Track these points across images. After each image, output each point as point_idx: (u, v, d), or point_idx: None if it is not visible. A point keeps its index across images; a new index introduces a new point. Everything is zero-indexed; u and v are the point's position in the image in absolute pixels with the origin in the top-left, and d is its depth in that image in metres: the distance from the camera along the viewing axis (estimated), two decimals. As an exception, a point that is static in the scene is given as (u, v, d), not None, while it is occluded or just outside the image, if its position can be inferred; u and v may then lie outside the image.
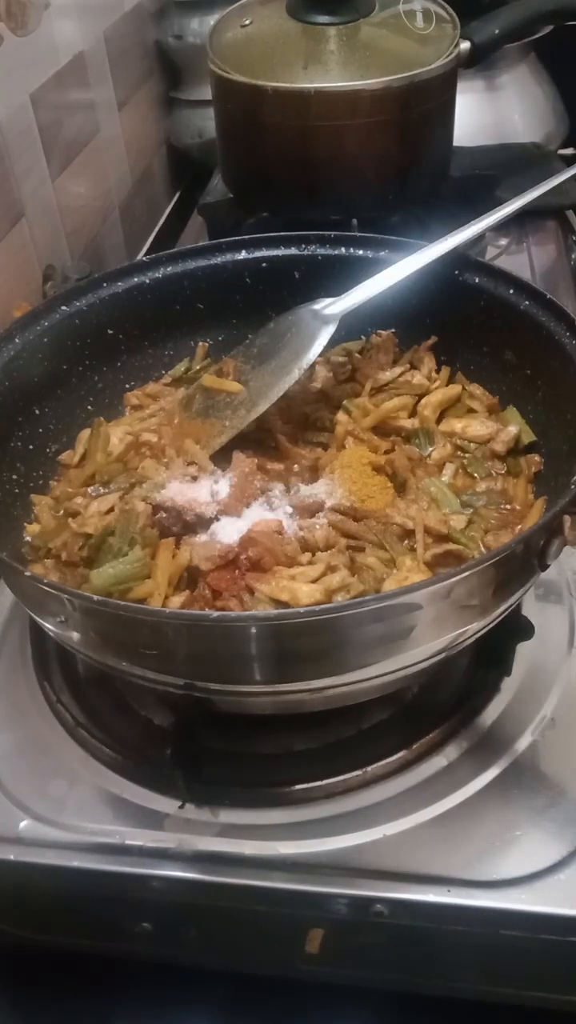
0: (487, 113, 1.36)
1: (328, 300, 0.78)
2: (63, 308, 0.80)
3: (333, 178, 1.04)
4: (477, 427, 0.79)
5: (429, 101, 1.02)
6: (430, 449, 0.78)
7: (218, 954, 0.68)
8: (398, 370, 0.84)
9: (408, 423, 0.80)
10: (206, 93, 1.18)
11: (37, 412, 0.79)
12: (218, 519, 0.70)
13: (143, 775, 0.67)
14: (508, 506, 0.73)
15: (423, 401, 0.82)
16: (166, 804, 0.65)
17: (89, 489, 0.78)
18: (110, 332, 0.84)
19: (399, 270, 0.77)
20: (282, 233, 0.87)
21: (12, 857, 0.63)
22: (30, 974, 0.73)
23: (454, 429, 0.80)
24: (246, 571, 0.64)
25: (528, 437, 0.77)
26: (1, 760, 0.69)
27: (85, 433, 0.82)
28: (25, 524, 0.74)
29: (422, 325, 0.85)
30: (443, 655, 0.60)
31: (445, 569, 0.65)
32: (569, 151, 1.46)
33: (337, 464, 0.74)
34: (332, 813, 0.64)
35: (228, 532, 0.67)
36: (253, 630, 0.53)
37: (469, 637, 0.61)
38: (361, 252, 0.84)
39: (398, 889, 0.60)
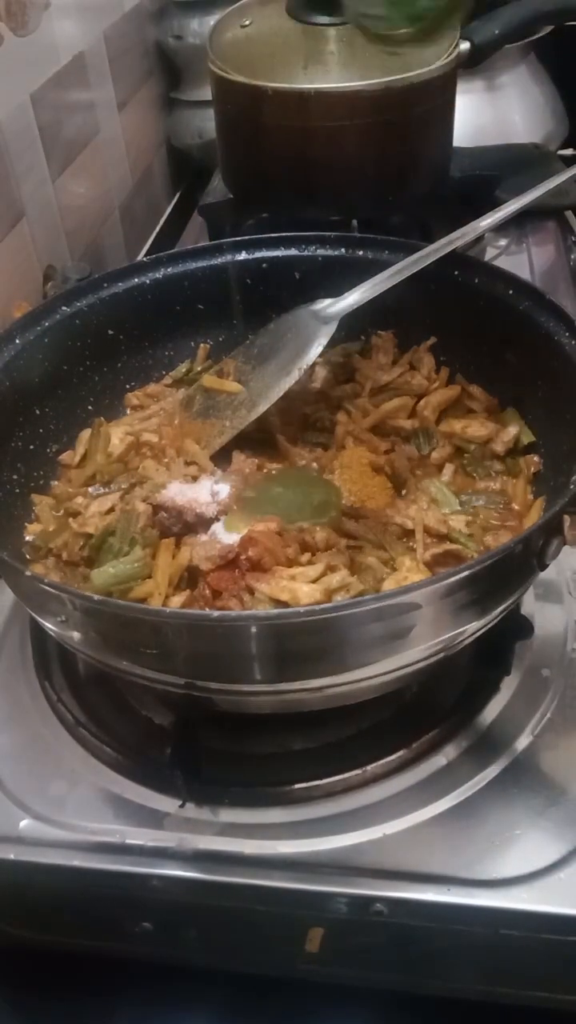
0: (487, 113, 1.35)
1: (328, 300, 0.78)
2: (63, 308, 0.80)
3: (333, 179, 1.04)
4: (477, 427, 0.79)
5: (429, 102, 1.02)
6: (430, 449, 0.78)
7: (218, 954, 0.68)
8: (398, 370, 0.85)
9: (408, 423, 0.80)
10: (206, 93, 1.18)
11: (38, 412, 0.79)
12: (218, 519, 0.70)
13: (143, 774, 0.67)
14: (508, 506, 0.73)
15: (423, 402, 0.82)
16: (166, 803, 0.65)
17: (90, 489, 0.78)
18: (110, 332, 0.84)
19: (399, 270, 0.77)
20: (282, 234, 0.87)
21: (12, 857, 0.63)
22: (30, 974, 0.73)
23: (454, 429, 0.80)
24: (246, 571, 0.64)
25: (527, 437, 0.77)
26: (1, 760, 0.69)
27: (86, 433, 0.82)
28: (26, 524, 0.75)
29: (422, 325, 0.85)
30: (442, 654, 0.60)
31: (445, 569, 0.65)
32: (569, 151, 1.46)
33: (337, 464, 0.75)
34: (332, 812, 0.64)
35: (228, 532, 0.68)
36: (254, 630, 0.53)
37: (468, 636, 0.61)
38: (361, 253, 0.84)
39: (398, 888, 0.60)
